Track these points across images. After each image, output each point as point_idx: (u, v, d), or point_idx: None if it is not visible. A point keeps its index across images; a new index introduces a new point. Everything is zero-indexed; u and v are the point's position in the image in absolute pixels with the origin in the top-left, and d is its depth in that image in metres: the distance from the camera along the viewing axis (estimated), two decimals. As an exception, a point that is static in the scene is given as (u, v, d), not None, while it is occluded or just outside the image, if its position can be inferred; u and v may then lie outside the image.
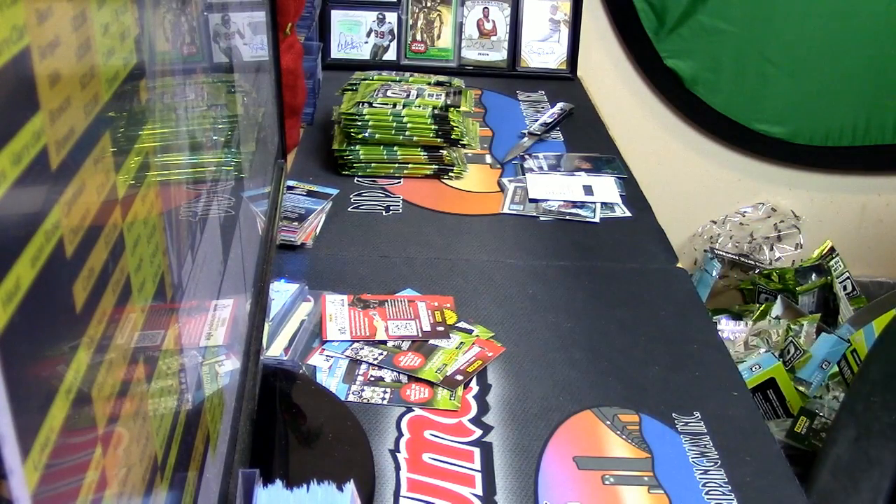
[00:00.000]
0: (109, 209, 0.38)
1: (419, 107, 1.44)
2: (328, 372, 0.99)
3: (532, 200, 1.42)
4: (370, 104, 1.45)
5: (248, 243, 0.79)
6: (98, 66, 0.37)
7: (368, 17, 1.99)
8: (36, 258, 0.29)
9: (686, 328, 1.11)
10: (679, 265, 1.27)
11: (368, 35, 2.00)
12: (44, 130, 0.30)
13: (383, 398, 0.96)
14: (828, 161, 2.25)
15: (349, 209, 1.36)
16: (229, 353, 0.67)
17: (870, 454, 1.32)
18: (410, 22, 2.00)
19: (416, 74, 1.65)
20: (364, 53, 2.00)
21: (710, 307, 2.06)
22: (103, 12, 0.38)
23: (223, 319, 0.64)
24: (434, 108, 1.44)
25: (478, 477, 0.86)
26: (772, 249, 2.23)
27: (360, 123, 1.43)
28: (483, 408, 0.95)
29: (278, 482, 0.70)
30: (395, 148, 1.45)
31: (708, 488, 0.86)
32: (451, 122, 1.44)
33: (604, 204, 1.41)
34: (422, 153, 1.46)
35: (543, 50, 2.02)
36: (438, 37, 2.01)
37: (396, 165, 1.46)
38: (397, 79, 1.61)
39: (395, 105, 1.45)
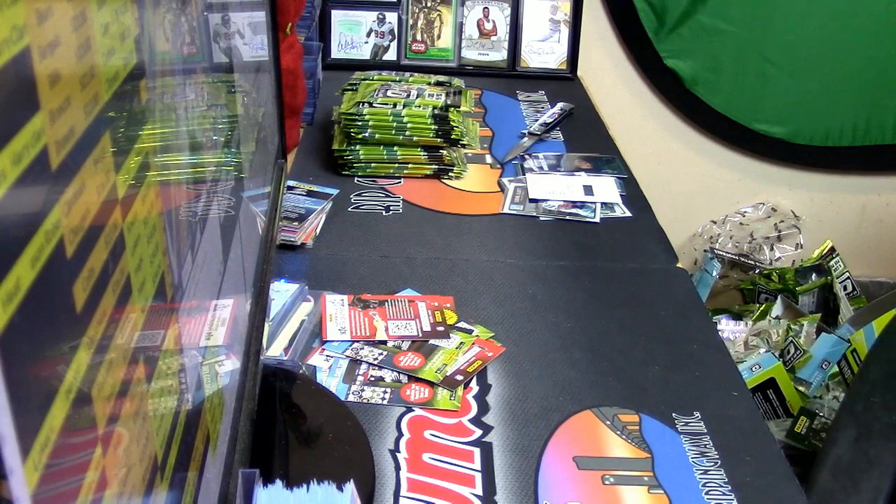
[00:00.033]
0: (109, 209, 0.38)
1: (419, 107, 1.44)
2: (328, 372, 0.99)
3: (532, 200, 1.42)
4: (370, 104, 1.45)
5: (248, 243, 0.79)
6: (98, 66, 0.37)
7: (368, 17, 1.99)
8: (36, 258, 0.29)
9: (686, 328, 1.11)
10: (679, 265, 1.27)
11: (368, 35, 2.00)
12: (44, 130, 0.30)
13: (383, 398, 0.96)
14: (828, 161, 2.25)
15: (349, 209, 1.36)
16: (229, 353, 0.67)
17: (870, 454, 1.32)
18: (410, 22, 2.00)
19: (416, 74, 1.65)
20: (364, 53, 2.00)
21: (710, 307, 2.06)
22: (103, 12, 0.38)
23: (223, 319, 0.64)
24: (434, 108, 1.44)
25: (478, 477, 0.86)
26: (772, 249, 2.23)
27: (360, 123, 1.43)
28: (483, 408, 0.95)
29: (278, 482, 0.70)
30: (395, 148, 1.45)
31: (708, 488, 0.86)
32: (451, 122, 1.44)
33: (604, 204, 1.41)
34: (422, 153, 1.46)
35: (543, 50, 2.02)
36: (438, 37, 2.01)
37: (396, 165, 1.46)
38: (397, 79, 1.61)
39: (395, 105, 1.45)
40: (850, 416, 1.38)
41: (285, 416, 0.91)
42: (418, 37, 2.01)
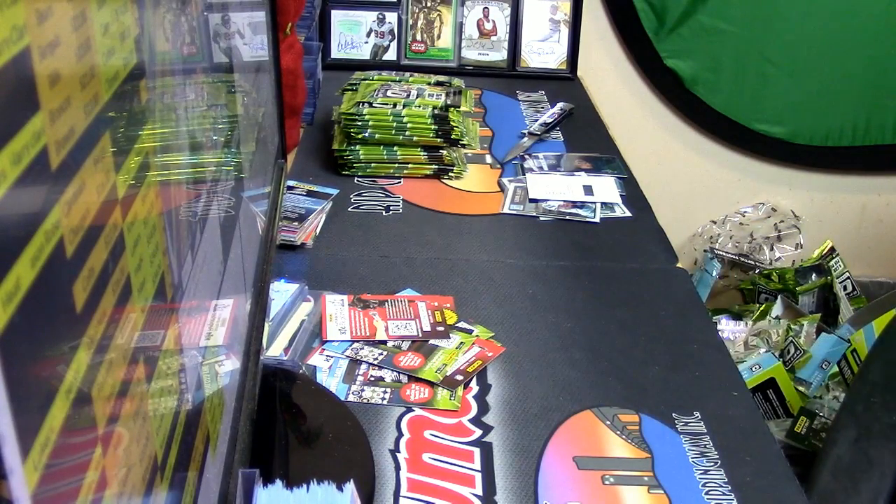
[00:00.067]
0: (109, 209, 0.38)
1: (419, 107, 1.44)
2: (328, 372, 0.99)
3: (532, 200, 1.42)
4: (370, 104, 1.45)
5: (248, 243, 0.79)
6: (98, 66, 0.37)
7: (368, 17, 1.99)
8: (36, 258, 0.29)
9: (686, 328, 1.11)
10: (679, 265, 1.27)
11: (368, 35, 2.00)
12: (44, 130, 0.30)
13: (383, 398, 0.96)
14: (828, 161, 2.25)
15: (349, 209, 1.36)
16: (229, 353, 0.67)
17: (870, 455, 1.32)
18: (410, 22, 2.00)
19: (416, 74, 1.65)
20: (364, 53, 2.00)
21: (710, 307, 2.06)
22: (103, 12, 0.38)
23: (223, 319, 0.64)
24: (434, 108, 1.44)
25: (478, 477, 0.86)
26: (772, 249, 2.23)
27: (360, 123, 1.43)
28: (483, 408, 0.95)
29: (278, 482, 0.70)
30: (395, 148, 1.45)
31: (708, 488, 0.86)
32: (451, 122, 1.44)
33: (604, 204, 1.41)
34: (422, 153, 1.46)
35: (543, 50, 2.02)
36: (438, 37, 2.01)
37: (396, 165, 1.46)
38: (397, 79, 1.61)
39: (395, 105, 1.45)
40: (850, 417, 1.38)
41: (285, 416, 0.91)
42: (418, 37, 2.00)
